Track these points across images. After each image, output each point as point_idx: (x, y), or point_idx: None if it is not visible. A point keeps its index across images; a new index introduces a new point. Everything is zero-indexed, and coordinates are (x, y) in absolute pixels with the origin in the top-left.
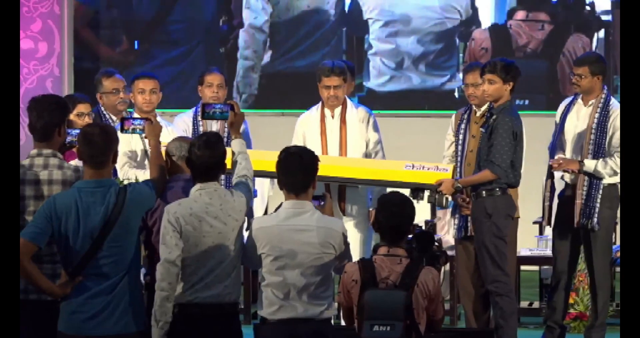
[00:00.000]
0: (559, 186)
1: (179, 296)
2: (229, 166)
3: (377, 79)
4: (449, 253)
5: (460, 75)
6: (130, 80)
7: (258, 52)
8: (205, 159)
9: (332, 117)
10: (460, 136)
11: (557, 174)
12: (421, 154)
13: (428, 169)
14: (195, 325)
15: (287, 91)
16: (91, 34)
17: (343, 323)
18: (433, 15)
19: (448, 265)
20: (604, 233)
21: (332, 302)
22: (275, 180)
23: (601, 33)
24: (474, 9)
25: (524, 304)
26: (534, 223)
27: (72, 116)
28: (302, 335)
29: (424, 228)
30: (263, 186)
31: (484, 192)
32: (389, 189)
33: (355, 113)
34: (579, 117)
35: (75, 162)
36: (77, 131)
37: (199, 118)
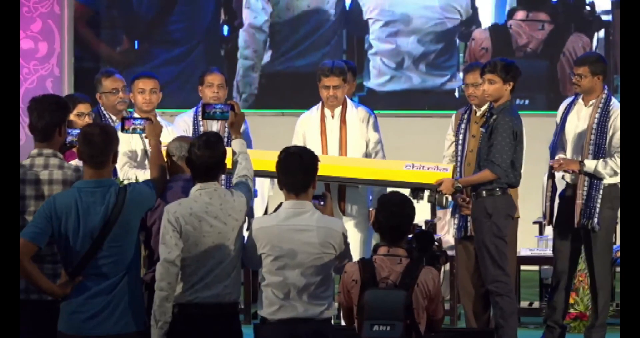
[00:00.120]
0: (560, 186)
1: (178, 296)
2: (229, 166)
3: (377, 79)
4: (449, 253)
5: (461, 75)
6: (130, 80)
7: (258, 52)
8: (205, 159)
9: (332, 117)
10: (460, 136)
11: (558, 175)
12: (421, 154)
13: (428, 169)
14: (195, 325)
15: (287, 90)
16: (91, 34)
17: (343, 323)
18: (433, 15)
19: (448, 265)
20: (604, 233)
21: (332, 301)
22: (275, 180)
23: (601, 33)
24: (474, 9)
25: (524, 304)
26: (534, 223)
27: (72, 116)
28: (302, 335)
29: (424, 228)
30: (263, 186)
31: (484, 192)
32: (389, 189)
33: (356, 113)
34: (579, 118)
35: (76, 162)
36: (78, 131)
37: (200, 118)
